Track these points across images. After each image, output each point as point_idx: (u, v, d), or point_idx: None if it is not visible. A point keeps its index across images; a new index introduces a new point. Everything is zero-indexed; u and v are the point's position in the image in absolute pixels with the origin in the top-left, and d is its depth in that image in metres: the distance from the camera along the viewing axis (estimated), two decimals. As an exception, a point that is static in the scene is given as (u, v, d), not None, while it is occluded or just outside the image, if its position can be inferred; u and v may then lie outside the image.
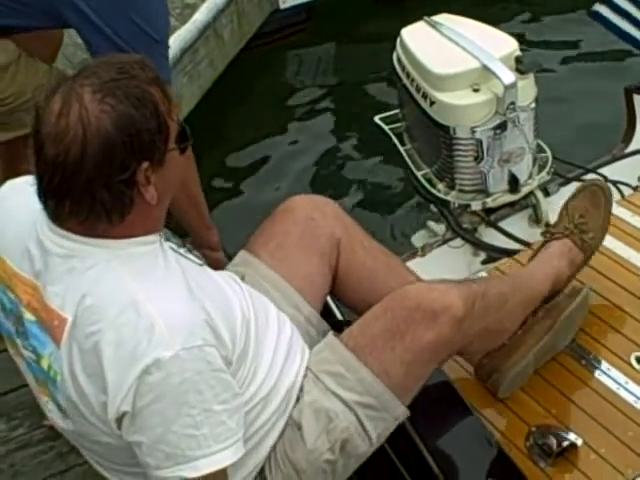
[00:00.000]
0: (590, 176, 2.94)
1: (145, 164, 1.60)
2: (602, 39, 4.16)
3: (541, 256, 2.38)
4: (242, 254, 2.20)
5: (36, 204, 1.64)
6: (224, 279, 1.90)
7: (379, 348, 1.92)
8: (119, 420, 1.61)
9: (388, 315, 1.94)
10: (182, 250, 1.79)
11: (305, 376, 1.94)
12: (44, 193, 1.61)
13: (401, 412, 1.95)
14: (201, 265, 1.84)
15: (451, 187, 2.79)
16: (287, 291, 2.11)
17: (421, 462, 2.11)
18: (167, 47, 2.36)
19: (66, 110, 1.56)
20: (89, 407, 1.64)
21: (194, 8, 4.32)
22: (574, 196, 2.46)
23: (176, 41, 4.09)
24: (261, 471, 1.88)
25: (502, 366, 2.19)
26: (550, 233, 2.42)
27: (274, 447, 1.88)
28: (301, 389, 1.92)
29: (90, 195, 1.58)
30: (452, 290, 1.97)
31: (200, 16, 4.29)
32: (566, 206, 2.45)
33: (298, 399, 1.91)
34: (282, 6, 4.89)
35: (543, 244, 2.43)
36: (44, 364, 1.70)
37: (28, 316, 1.71)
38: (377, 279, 2.21)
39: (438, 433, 2.14)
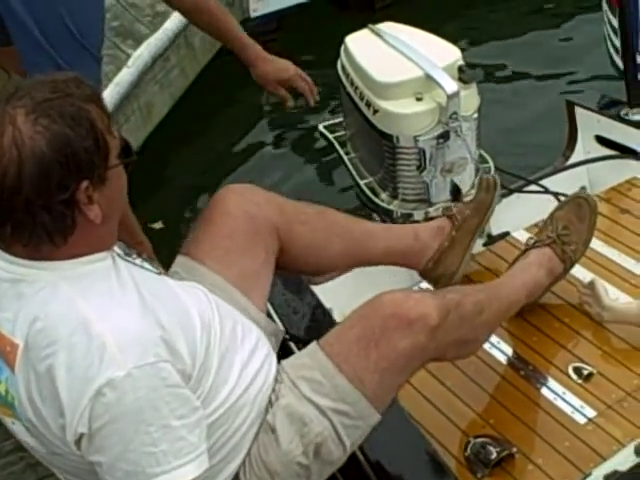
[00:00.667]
0: (532, 187, 2.95)
1: (85, 183, 1.59)
2: (546, 51, 4.23)
3: (520, 264, 2.39)
4: (182, 259, 2.16)
5: None
6: (184, 289, 1.87)
7: (354, 355, 1.91)
8: (78, 442, 1.59)
9: (364, 323, 1.94)
10: (138, 261, 1.78)
11: (281, 381, 1.92)
12: None
13: (376, 420, 1.94)
14: (159, 274, 1.82)
15: (394, 196, 2.78)
16: (234, 295, 2.09)
17: (359, 471, 2.09)
18: (98, 59, 2.34)
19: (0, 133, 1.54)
20: (49, 430, 1.62)
21: (165, 16, 4.32)
22: (560, 207, 2.47)
23: (147, 49, 4.09)
24: (236, 476, 1.86)
25: (451, 267, 2.38)
26: (532, 241, 2.43)
27: (248, 453, 1.87)
28: (275, 392, 1.91)
29: (30, 217, 1.57)
30: (427, 299, 1.98)
31: (171, 24, 4.30)
32: (551, 216, 2.46)
33: (272, 403, 1.90)
34: (253, 15, 4.90)
35: (523, 252, 2.44)
36: (1, 389, 1.68)
37: None
38: (318, 244, 2.27)
39: (376, 443, 2.11)
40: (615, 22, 3.13)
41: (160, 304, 1.68)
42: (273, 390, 1.91)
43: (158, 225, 3.87)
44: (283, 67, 2.72)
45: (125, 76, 3.95)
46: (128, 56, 3.97)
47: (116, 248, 1.76)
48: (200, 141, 4.37)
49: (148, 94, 4.20)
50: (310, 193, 3.82)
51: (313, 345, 1.98)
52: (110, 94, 3.82)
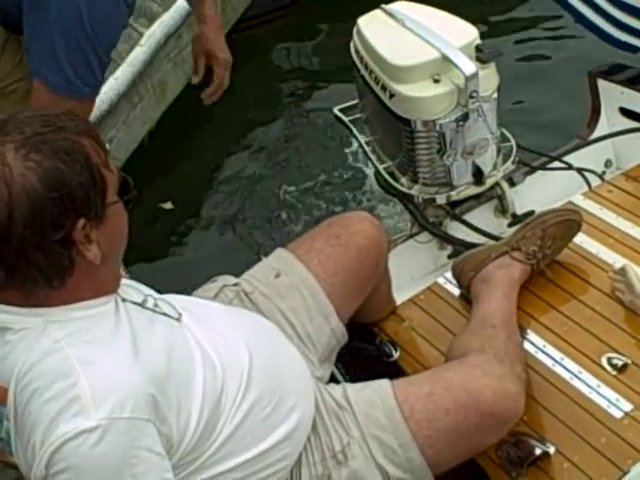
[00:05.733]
0: (555, 164, 2.88)
1: (81, 221, 1.52)
2: (564, 24, 4.13)
3: (509, 288, 2.32)
4: (282, 253, 2.18)
5: None
6: (210, 335, 1.76)
7: (442, 444, 1.94)
8: None
9: (460, 414, 1.95)
10: (150, 304, 1.71)
11: (349, 431, 1.90)
12: None
13: None
14: (178, 319, 1.74)
15: (414, 181, 2.70)
16: (322, 301, 2.10)
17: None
18: (105, 63, 2.27)
19: None
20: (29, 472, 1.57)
21: (177, -6, 4.24)
22: (554, 223, 2.39)
23: (159, 27, 4.07)
24: None
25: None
26: (517, 248, 2.37)
27: None
28: (342, 442, 1.89)
29: (24, 259, 1.50)
30: (521, 395, 2.02)
31: (183, 2, 4.21)
32: (545, 230, 2.38)
33: (337, 458, 1.87)
34: (267, -11, 4.82)
35: (505, 253, 2.37)
36: (3, 434, 1.62)
37: None
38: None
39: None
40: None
41: (159, 358, 1.61)
42: (339, 437, 1.89)
43: (168, 205, 3.87)
44: (223, 46, 2.72)
45: (138, 55, 3.93)
46: (141, 35, 3.94)
47: (128, 292, 1.69)
48: (213, 120, 4.32)
49: (161, 72, 4.17)
50: (326, 178, 3.77)
51: (391, 400, 1.95)
52: (124, 73, 3.80)
